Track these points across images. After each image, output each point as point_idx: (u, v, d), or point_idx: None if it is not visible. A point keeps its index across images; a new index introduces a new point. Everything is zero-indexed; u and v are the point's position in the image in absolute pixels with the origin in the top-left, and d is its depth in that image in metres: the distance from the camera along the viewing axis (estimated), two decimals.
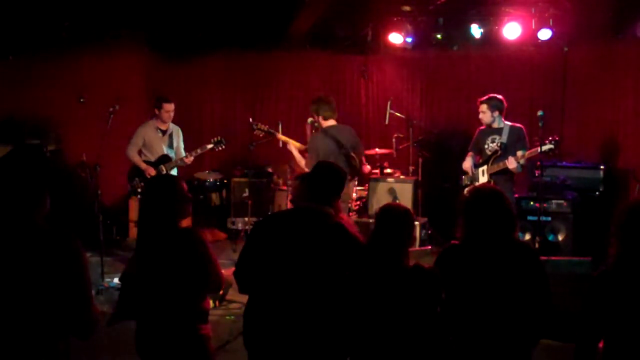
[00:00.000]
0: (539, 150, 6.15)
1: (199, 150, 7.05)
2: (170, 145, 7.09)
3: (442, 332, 3.02)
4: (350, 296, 3.02)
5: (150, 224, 3.18)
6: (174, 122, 7.30)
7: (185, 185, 3.29)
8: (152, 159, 6.97)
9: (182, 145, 7.23)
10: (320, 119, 6.34)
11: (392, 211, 3.15)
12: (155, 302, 3.06)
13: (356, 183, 7.27)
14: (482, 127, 6.72)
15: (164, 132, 7.05)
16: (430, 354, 2.97)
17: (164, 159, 6.97)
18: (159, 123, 7.04)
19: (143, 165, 6.90)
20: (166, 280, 3.04)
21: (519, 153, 6.33)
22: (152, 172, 6.85)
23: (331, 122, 6.35)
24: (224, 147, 7.18)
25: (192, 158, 7.02)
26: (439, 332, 3.00)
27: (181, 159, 7.00)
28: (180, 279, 3.03)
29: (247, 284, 3.26)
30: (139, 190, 6.87)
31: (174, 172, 7.03)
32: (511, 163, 6.27)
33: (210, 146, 7.11)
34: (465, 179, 6.82)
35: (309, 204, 3.30)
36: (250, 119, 7.21)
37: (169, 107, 7.00)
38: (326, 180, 3.36)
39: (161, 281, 3.05)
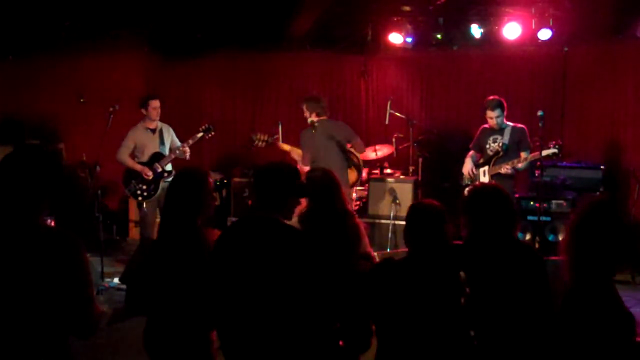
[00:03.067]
0: (540, 154, 6.15)
1: (190, 141, 7.00)
2: (162, 142, 7.07)
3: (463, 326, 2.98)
4: (361, 293, 2.97)
5: (176, 217, 3.13)
6: (173, 120, 7.28)
7: (211, 181, 3.29)
8: (145, 159, 6.95)
9: (176, 140, 7.19)
10: (313, 115, 6.69)
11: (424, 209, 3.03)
12: (173, 297, 3.04)
13: (357, 182, 7.27)
14: (486, 126, 6.72)
15: (153, 131, 7.03)
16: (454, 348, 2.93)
17: (157, 157, 6.94)
18: (148, 123, 6.99)
19: (138, 167, 6.87)
20: (186, 278, 3.03)
21: (523, 155, 6.35)
22: (148, 172, 6.82)
23: (323, 118, 6.71)
24: (213, 133, 7.15)
25: (188, 148, 6.98)
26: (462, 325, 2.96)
27: (178, 149, 6.96)
28: (199, 277, 3.00)
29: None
30: (139, 192, 6.84)
31: (169, 167, 7.01)
32: (507, 170, 6.33)
33: (200, 135, 7.08)
34: (465, 179, 6.82)
35: (255, 213, 2.90)
36: (251, 134, 7.20)
37: (155, 104, 6.95)
38: (267, 184, 2.90)
39: (181, 278, 3.03)
